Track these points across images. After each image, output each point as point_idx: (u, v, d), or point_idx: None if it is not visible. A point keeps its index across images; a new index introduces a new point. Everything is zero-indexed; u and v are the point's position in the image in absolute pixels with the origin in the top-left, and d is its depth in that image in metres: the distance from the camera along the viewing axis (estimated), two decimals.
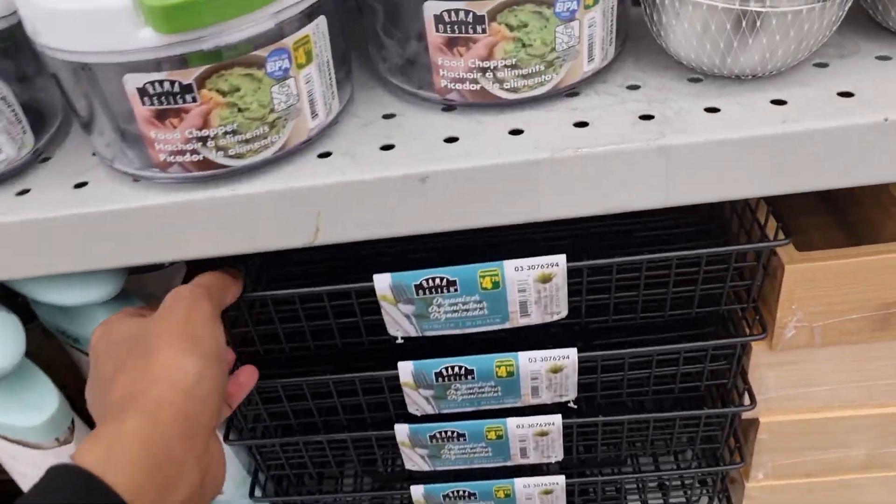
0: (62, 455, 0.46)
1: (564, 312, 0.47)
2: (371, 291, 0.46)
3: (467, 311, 0.46)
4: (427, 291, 0.45)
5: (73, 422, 0.47)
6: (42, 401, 0.45)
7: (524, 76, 0.39)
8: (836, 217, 0.56)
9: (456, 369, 0.49)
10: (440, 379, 0.50)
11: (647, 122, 0.39)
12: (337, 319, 0.49)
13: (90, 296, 0.45)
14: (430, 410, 0.52)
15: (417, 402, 0.51)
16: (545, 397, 0.51)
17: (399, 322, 0.47)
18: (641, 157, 0.37)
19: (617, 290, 0.48)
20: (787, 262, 0.44)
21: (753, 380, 0.50)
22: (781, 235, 0.45)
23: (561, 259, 0.44)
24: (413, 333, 0.48)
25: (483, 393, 0.51)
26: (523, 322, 0.47)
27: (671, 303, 0.49)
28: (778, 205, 0.49)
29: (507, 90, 0.39)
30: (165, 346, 0.37)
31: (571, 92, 0.42)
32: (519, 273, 0.44)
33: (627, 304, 0.50)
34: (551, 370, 0.49)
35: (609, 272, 0.47)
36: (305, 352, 0.52)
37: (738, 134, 0.37)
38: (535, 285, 0.45)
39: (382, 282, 0.45)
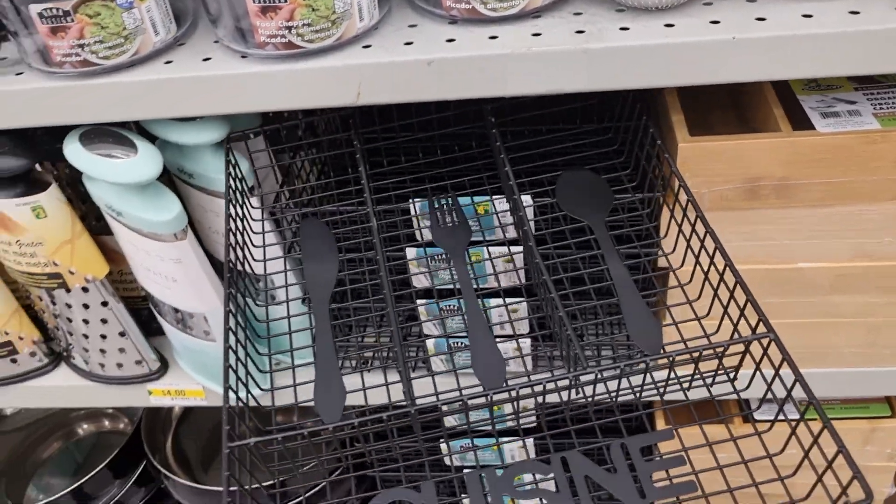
0: (180, 248, 0.68)
1: None
2: None
3: None
4: None
5: (187, 225, 0.68)
6: (169, 205, 0.66)
7: (501, 0, 0.59)
8: (740, 118, 0.75)
9: None
10: None
11: (580, 34, 0.58)
12: None
13: (203, 138, 0.66)
14: None
15: None
16: None
17: None
18: (571, 56, 0.57)
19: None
20: (681, 140, 0.64)
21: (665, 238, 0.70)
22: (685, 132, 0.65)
23: None
24: None
25: None
26: None
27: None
28: (695, 109, 0.68)
29: (489, 10, 0.59)
30: None
31: (535, 15, 0.61)
32: None
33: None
34: None
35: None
36: None
37: (635, 43, 0.56)
38: None
39: None
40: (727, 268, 0.59)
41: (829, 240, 0.69)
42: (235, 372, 0.57)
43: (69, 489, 0.99)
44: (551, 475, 0.51)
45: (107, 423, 1.21)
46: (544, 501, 0.49)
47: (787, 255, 0.70)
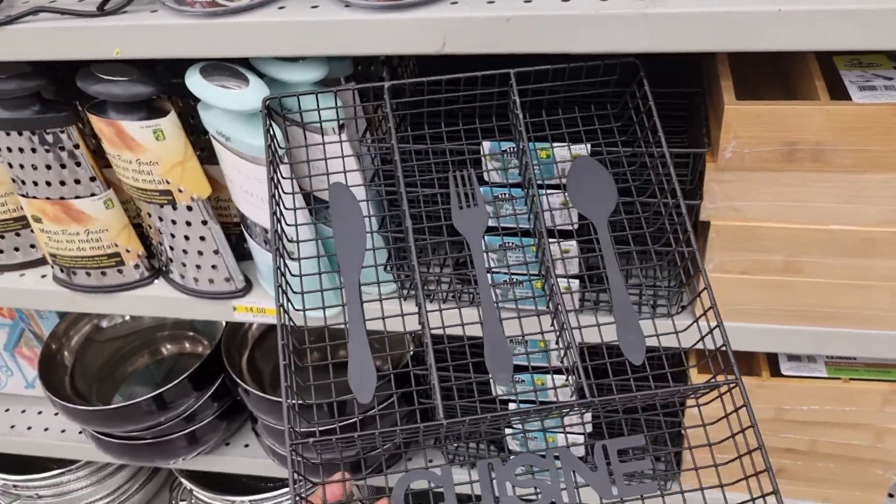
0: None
1: None
2: None
3: None
4: None
5: (284, 153, 0.78)
6: None
7: None
8: (786, 90, 0.82)
9: None
10: None
11: (642, 0, 0.66)
12: None
13: (304, 77, 0.76)
14: None
15: None
16: None
17: None
18: (632, 19, 0.65)
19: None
20: (727, 103, 0.71)
21: (707, 191, 0.77)
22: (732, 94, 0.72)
23: None
24: None
25: None
26: None
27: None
28: (752, 85, 0.75)
29: None
30: None
31: None
32: None
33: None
34: None
35: None
36: None
37: (692, 10, 0.64)
38: None
39: None
40: (712, 310, 0.67)
41: (858, 204, 0.76)
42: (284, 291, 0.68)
43: (151, 395, 1.11)
44: (546, 469, 0.61)
45: (188, 345, 1.33)
46: (538, 490, 0.60)
47: (818, 216, 0.77)
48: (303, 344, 0.74)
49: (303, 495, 0.62)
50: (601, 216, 0.73)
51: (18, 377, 1.36)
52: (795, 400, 0.92)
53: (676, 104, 0.86)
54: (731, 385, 0.64)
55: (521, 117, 0.72)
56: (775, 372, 0.93)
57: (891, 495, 1.03)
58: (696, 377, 0.93)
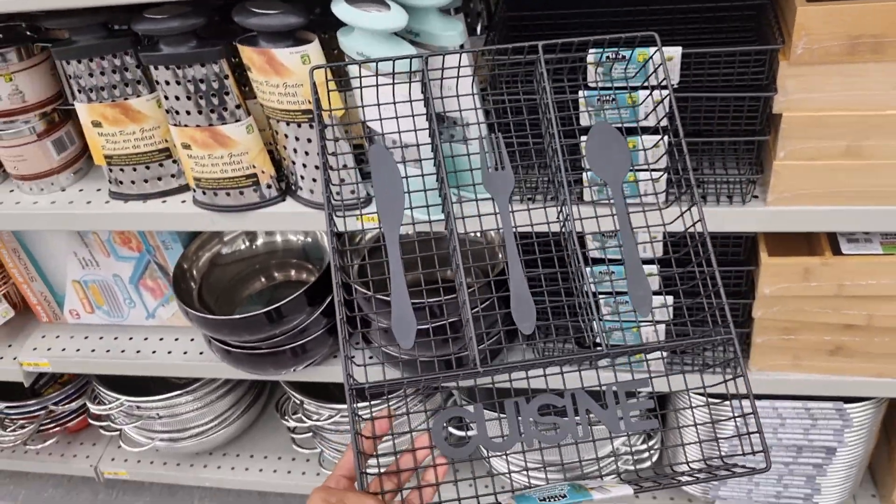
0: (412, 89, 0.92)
1: None
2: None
3: None
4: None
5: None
6: (405, 52, 0.90)
7: None
8: None
9: None
10: None
11: None
12: None
13: (431, 1, 0.89)
14: None
15: None
16: None
17: None
18: None
19: None
20: (798, 4, 0.84)
21: (780, 85, 0.90)
22: None
23: None
24: None
25: None
26: None
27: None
28: None
29: None
30: None
31: None
32: None
33: None
34: None
35: None
36: None
37: None
38: None
39: None
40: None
41: None
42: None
43: (269, 308, 1.25)
44: (563, 405, 0.71)
45: (293, 272, 1.48)
46: (557, 425, 0.70)
47: (877, 103, 0.90)
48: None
49: (359, 431, 0.74)
50: (616, 179, 0.79)
51: (140, 308, 1.51)
52: (854, 276, 1.05)
53: (747, 16, 0.99)
54: (727, 340, 0.75)
55: (547, 90, 0.82)
56: (836, 253, 1.05)
57: None
58: (766, 259, 1.06)
